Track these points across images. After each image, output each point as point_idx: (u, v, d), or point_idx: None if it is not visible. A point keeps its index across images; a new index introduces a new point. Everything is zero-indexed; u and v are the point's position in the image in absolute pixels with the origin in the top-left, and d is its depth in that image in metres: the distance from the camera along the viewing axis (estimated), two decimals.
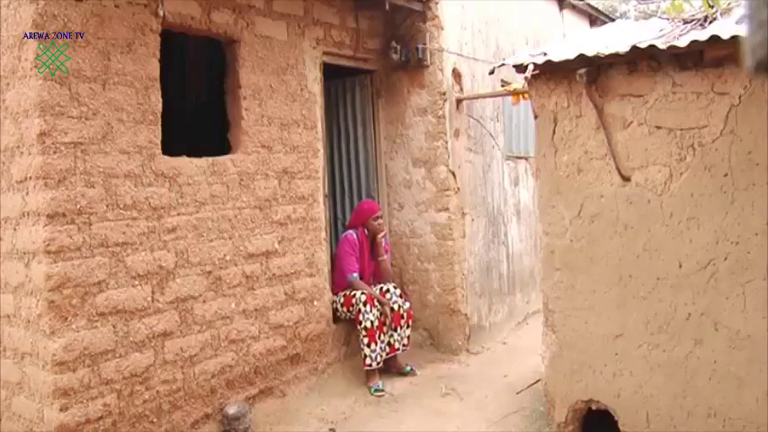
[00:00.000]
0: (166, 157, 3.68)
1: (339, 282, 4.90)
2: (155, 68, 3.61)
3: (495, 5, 6.11)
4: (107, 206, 3.37)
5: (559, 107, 3.52)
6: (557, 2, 7.50)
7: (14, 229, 3.36)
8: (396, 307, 4.85)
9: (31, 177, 3.19)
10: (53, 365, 3.14)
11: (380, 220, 5.04)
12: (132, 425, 3.44)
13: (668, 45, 3.02)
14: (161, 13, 3.62)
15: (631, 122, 3.25)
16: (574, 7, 7.79)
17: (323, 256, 4.74)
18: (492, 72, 4.35)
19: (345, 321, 4.87)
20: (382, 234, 5.01)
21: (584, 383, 3.46)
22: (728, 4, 3.24)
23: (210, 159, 3.95)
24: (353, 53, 5.14)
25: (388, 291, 4.90)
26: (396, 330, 4.84)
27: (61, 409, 3.14)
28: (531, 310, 6.36)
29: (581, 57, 3.25)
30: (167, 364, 3.63)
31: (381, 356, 4.70)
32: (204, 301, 3.84)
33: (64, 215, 3.19)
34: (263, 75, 4.28)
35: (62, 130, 3.19)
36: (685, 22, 3.29)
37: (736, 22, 2.90)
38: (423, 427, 4.03)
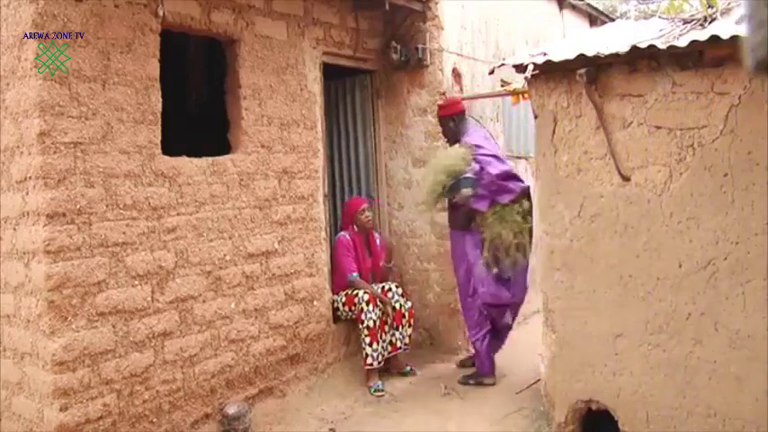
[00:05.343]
0: (166, 157, 3.68)
1: (339, 282, 4.90)
2: (155, 68, 3.61)
3: (495, 5, 6.11)
4: (107, 206, 3.37)
5: (559, 107, 3.52)
6: (557, 2, 7.50)
7: (14, 229, 3.36)
8: (397, 306, 4.85)
9: (30, 177, 3.19)
10: (53, 365, 3.13)
11: (367, 213, 5.01)
12: (132, 425, 3.44)
13: (668, 45, 3.02)
14: (161, 13, 3.62)
15: (631, 122, 3.25)
16: (574, 7, 7.79)
17: (323, 256, 4.74)
18: (492, 72, 4.35)
19: (345, 321, 4.87)
20: (378, 237, 5.06)
21: (583, 383, 3.46)
22: (728, 4, 3.24)
23: (210, 159, 3.95)
24: (353, 53, 5.13)
25: (390, 290, 4.91)
26: (397, 329, 4.84)
27: (61, 409, 3.14)
28: (531, 310, 6.35)
29: (581, 57, 3.25)
30: (167, 364, 3.62)
31: (383, 356, 4.70)
32: (204, 301, 3.84)
33: (64, 215, 3.19)
34: (262, 74, 4.28)
35: (62, 130, 3.19)
36: (685, 22, 3.28)
37: (736, 22, 2.90)
38: (423, 427, 4.03)
